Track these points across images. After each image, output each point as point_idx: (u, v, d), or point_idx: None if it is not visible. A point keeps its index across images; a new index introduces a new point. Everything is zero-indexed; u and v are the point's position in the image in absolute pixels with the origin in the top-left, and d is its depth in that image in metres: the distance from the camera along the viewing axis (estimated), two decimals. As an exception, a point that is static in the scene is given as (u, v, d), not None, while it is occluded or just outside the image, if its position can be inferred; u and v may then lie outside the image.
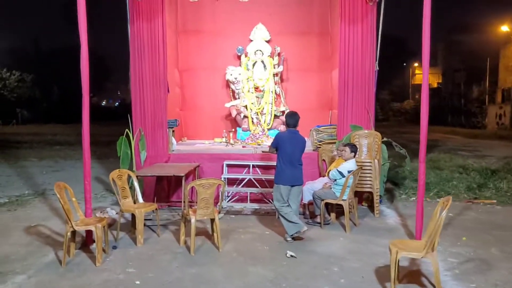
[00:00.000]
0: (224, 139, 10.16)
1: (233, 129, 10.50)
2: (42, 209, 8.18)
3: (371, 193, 7.81)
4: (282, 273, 5.03)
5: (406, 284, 4.70)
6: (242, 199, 8.23)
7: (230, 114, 10.85)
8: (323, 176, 7.80)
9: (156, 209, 6.48)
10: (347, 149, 6.83)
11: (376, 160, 7.58)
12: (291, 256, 5.54)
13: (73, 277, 4.94)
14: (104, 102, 71.97)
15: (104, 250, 5.60)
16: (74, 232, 5.48)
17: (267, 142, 9.64)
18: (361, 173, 7.12)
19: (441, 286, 4.41)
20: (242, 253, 5.70)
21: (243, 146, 9.46)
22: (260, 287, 4.67)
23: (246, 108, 10.39)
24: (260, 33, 10.51)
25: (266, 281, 4.82)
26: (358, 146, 7.22)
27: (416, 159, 9.84)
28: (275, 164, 6.36)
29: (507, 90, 35.40)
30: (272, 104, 10.38)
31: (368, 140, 7.69)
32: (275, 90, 10.51)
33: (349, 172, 6.64)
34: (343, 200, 6.66)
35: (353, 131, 7.88)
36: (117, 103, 71.83)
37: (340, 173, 6.70)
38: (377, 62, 8.10)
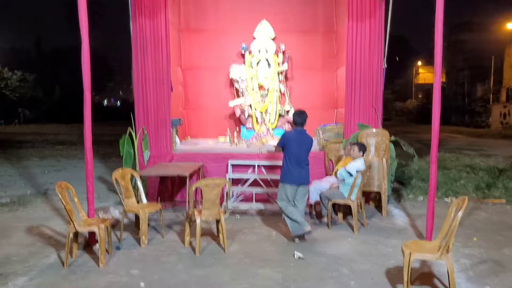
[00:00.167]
0: (228, 138, 10.03)
1: (237, 128, 10.40)
2: (44, 209, 8.06)
3: (378, 193, 7.68)
4: (290, 275, 4.89)
5: (418, 286, 4.57)
6: (247, 199, 8.10)
7: (234, 113, 10.72)
8: (330, 176, 7.67)
9: (160, 209, 6.35)
10: (356, 148, 6.69)
11: (384, 160, 7.44)
12: (299, 257, 5.40)
13: (76, 279, 4.82)
14: (106, 102, 71.91)
15: (107, 251, 5.48)
16: (76, 233, 5.36)
17: (272, 141, 9.53)
18: (369, 172, 6.98)
19: (456, 289, 4.27)
20: (249, 255, 5.57)
21: (247, 146, 9.34)
22: (268, 290, 4.54)
23: (250, 107, 10.27)
24: (264, 30, 10.38)
25: (274, 284, 4.68)
26: (366, 145, 7.08)
27: (421, 158, 9.77)
28: (281, 164, 6.22)
29: (511, 89, 35.19)
30: (276, 103, 10.25)
31: (376, 139, 7.55)
32: (280, 89, 10.39)
33: (357, 171, 6.50)
34: (351, 200, 6.52)
35: (361, 130, 7.74)
36: (119, 103, 71.79)
37: (348, 172, 6.56)
38: (385, 59, 7.96)
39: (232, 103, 10.52)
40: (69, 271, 5.03)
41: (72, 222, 5.14)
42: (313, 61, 10.95)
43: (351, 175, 6.54)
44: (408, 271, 4.11)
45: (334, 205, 6.75)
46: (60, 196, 5.10)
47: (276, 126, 10.20)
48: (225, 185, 5.91)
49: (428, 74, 56.13)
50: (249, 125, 10.27)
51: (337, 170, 7.07)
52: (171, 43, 8.40)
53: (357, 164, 6.59)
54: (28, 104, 48.23)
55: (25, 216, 7.51)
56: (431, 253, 4.14)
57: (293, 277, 4.83)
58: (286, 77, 10.70)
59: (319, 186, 7.07)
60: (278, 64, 10.37)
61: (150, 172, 7.19)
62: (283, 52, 10.43)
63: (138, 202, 6.51)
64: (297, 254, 5.46)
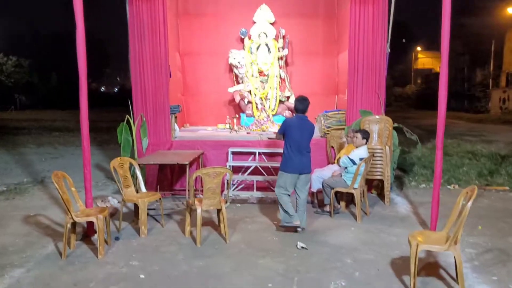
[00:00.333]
0: (227, 126, 9.91)
1: (237, 115, 10.26)
2: (41, 197, 7.94)
3: (381, 180, 7.57)
4: (293, 266, 4.79)
5: (424, 277, 4.46)
6: (248, 187, 7.98)
7: (233, 100, 10.59)
8: (332, 163, 7.56)
9: (160, 198, 6.23)
10: (359, 135, 6.55)
11: (387, 147, 7.31)
12: (302, 247, 5.29)
13: (74, 271, 4.71)
14: (103, 88, 71.42)
15: (106, 242, 5.37)
16: (74, 223, 5.24)
17: (272, 128, 9.40)
18: (371, 160, 6.86)
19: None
20: (251, 244, 5.46)
21: (247, 133, 9.22)
22: (271, 281, 4.42)
23: (250, 93, 10.13)
24: (264, 14, 10.19)
25: (276, 274, 4.58)
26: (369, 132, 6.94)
27: (421, 145, 9.67)
28: (282, 151, 6.07)
29: (511, 74, 35.00)
30: (276, 89, 10.11)
31: (379, 126, 7.41)
32: (280, 75, 10.23)
33: (360, 159, 6.37)
34: (354, 188, 6.41)
35: (363, 117, 7.60)
36: (116, 89, 71.31)
37: (352, 160, 6.43)
38: (388, 43, 7.79)
39: (231, 89, 10.38)
40: (67, 262, 4.92)
41: (70, 212, 5.02)
42: (313, 46, 10.77)
43: (354, 163, 6.41)
44: (415, 263, 4.00)
45: (336, 193, 6.64)
46: (56, 186, 4.96)
47: (276, 112, 10.05)
48: (226, 173, 5.78)
49: (427, 59, 55.89)
50: (249, 111, 10.13)
51: (340, 157, 6.94)
52: (169, 27, 8.19)
53: (360, 152, 6.46)
54: (24, 90, 47.90)
55: (21, 205, 7.40)
56: (439, 245, 4.03)
57: (295, 268, 4.73)
58: (286, 63, 10.54)
59: (321, 174, 6.95)
60: (278, 49, 10.20)
61: (149, 160, 7.04)
62: (283, 37, 10.25)
63: (137, 191, 6.39)
64: (300, 244, 5.35)
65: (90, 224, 5.66)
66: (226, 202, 6.06)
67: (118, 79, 73.41)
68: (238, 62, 10.21)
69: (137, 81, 7.94)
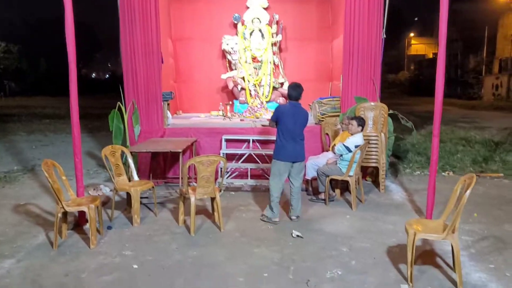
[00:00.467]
0: (221, 113, 9.81)
1: (230, 102, 10.15)
2: (31, 186, 7.83)
3: (375, 168, 7.52)
4: (288, 255, 4.73)
5: (420, 265, 4.40)
6: (241, 175, 7.90)
7: (226, 86, 10.47)
8: (327, 151, 7.48)
9: (153, 187, 6.13)
10: (354, 122, 6.47)
11: (382, 134, 7.24)
12: (297, 236, 5.23)
13: (66, 261, 4.61)
14: (94, 74, 70.77)
15: (98, 231, 5.29)
16: (65, 213, 5.13)
17: (266, 115, 9.31)
18: (367, 147, 6.78)
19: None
20: (245, 233, 5.39)
21: (241, 120, 9.12)
22: (266, 270, 4.36)
23: (244, 80, 10.01)
24: (257, -1, 10.03)
25: (272, 264, 4.51)
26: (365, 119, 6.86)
27: (412, 131, 9.63)
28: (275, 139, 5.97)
29: (504, 60, 35.02)
30: (270, 75, 10.00)
31: (374, 112, 7.33)
32: (274, 61, 10.12)
33: (356, 146, 6.30)
34: (350, 176, 6.34)
35: (358, 103, 7.51)
36: (107, 75, 70.67)
37: (347, 148, 6.35)
38: (384, 29, 7.67)
39: (224, 76, 10.25)
40: (58, 252, 4.83)
41: (60, 202, 4.91)
42: (307, 32, 10.65)
43: (349, 150, 6.34)
44: (412, 252, 3.95)
45: (331, 181, 6.57)
46: (46, 174, 4.85)
47: (270, 99, 9.95)
48: (220, 161, 5.69)
49: (420, 45, 55.74)
50: (242, 98, 10.02)
51: (335, 145, 6.86)
52: (161, 12, 8.00)
53: (356, 139, 6.39)
54: (13, 76, 47.28)
55: (11, 194, 7.29)
56: (436, 233, 3.97)
57: (291, 257, 4.67)
58: (280, 49, 10.43)
59: (316, 162, 6.87)
60: (272, 35, 10.06)
61: (141, 148, 6.93)
62: (277, 23, 10.12)
63: (129, 179, 6.28)
64: (295, 232, 5.29)
65: (82, 213, 5.55)
66: (220, 190, 5.97)
67: (109, 65, 72.76)
68: (231, 48, 10.08)
69: (128, 68, 7.78)
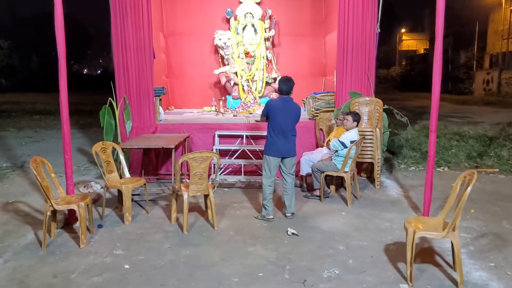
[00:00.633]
0: (213, 108, 9.69)
1: (223, 97, 10.04)
2: (21, 183, 7.67)
3: (370, 163, 7.44)
4: (284, 254, 4.62)
5: (420, 264, 4.31)
6: (235, 171, 7.79)
7: (219, 82, 10.36)
8: (321, 147, 7.38)
9: (145, 184, 5.99)
10: (350, 117, 6.36)
11: (377, 129, 7.15)
12: (293, 233, 5.13)
13: (55, 261, 4.48)
14: (86, 70, 70.16)
15: (88, 230, 5.17)
16: (54, 211, 5.00)
17: (259, 110, 9.18)
18: (362, 143, 6.69)
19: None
20: (240, 231, 5.28)
21: (234, 115, 9.01)
22: (262, 270, 4.25)
23: (236, 75, 9.90)
24: (250, -6, 9.90)
25: (267, 263, 4.41)
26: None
27: (407, 127, 9.56)
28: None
29: (495, 55, 35.08)
30: (263, 70, 9.89)
31: (369, 107, 7.24)
32: (267, 56, 10.01)
33: (351, 142, 6.19)
34: (345, 172, 6.25)
35: (353, 98, 7.41)
36: (99, 71, 70.08)
37: (342, 143, 6.24)
38: (378, 23, 7.57)
39: (217, 71, 10.14)
40: (47, 252, 4.70)
41: (49, 200, 4.78)
42: (300, 27, 10.57)
43: (345, 146, 6.23)
44: (412, 251, 3.85)
45: (326, 177, 6.46)
46: (35, 172, 4.71)
47: (263, 94, 9.84)
48: (213, 157, 5.56)
49: (412, 41, 55.76)
50: (235, 93, 9.90)
51: (329, 140, 6.76)
52: (153, 7, 7.84)
53: (351, 135, 6.28)
54: (4, 73, 46.71)
55: (0, 191, 7.11)
56: (436, 231, 3.87)
57: (287, 256, 4.56)
58: (273, 44, 10.33)
59: (310, 158, 6.77)
60: (265, 30, 9.95)
61: (132, 144, 6.78)
62: (270, 17, 10.01)
63: (120, 176, 6.15)
64: (290, 230, 5.18)
65: (72, 211, 5.40)
66: (214, 187, 5.85)
67: (100, 61, 72.14)
68: (224, 43, 9.96)
69: (120, 63, 7.62)
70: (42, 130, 14.82)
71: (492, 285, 3.91)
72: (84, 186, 7.22)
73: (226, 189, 7.16)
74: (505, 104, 24.62)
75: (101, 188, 7.06)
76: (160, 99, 8.22)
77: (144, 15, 7.52)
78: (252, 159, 7.64)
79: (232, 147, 7.75)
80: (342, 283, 3.97)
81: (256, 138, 7.86)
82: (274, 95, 9.64)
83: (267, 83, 9.94)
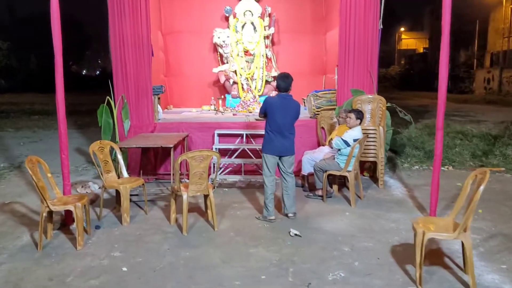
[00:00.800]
0: (212, 107, 9.56)
1: (222, 96, 9.90)
2: (18, 184, 7.54)
3: (373, 162, 7.30)
4: (287, 256, 4.48)
5: (428, 266, 4.15)
6: (235, 170, 7.65)
7: (218, 80, 10.22)
8: (323, 145, 7.24)
9: (143, 184, 5.85)
10: (352, 115, 6.21)
11: (381, 127, 7.01)
12: (295, 234, 4.99)
13: (51, 264, 4.35)
14: (85, 71, 70.06)
15: (85, 231, 5.03)
16: (51, 212, 4.87)
17: (259, 109, 9.04)
18: (365, 141, 6.55)
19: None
20: (241, 232, 5.14)
21: (233, 114, 8.87)
22: (264, 273, 4.11)
23: (236, 74, 9.77)
24: (249, -9, 9.78)
25: (270, 265, 4.26)
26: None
27: (410, 125, 9.44)
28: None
29: (496, 54, 34.97)
30: (263, 68, 9.76)
31: (372, 105, 7.10)
32: (266, 54, 9.89)
33: (354, 140, 6.05)
34: (348, 171, 6.10)
35: (355, 96, 7.27)
36: (98, 72, 69.97)
37: (345, 142, 6.09)
38: (381, 20, 7.43)
39: (216, 70, 10.00)
40: (43, 254, 4.57)
41: (45, 200, 4.64)
42: (300, 24, 10.44)
43: (348, 144, 6.09)
44: (422, 252, 3.70)
45: (328, 176, 6.32)
46: (30, 172, 4.57)
47: (262, 93, 9.71)
48: (213, 156, 5.42)
49: (411, 40, 55.67)
50: (234, 92, 9.76)
51: (331, 139, 6.62)
52: (151, 5, 7.72)
53: (354, 133, 6.14)
54: (3, 73, 46.59)
55: (-4, 192, 6.99)
56: (446, 232, 3.73)
57: (290, 258, 4.41)
58: (272, 42, 10.22)
59: (312, 157, 6.63)
60: (264, 27, 9.82)
61: (131, 143, 6.64)
62: (269, 15, 9.90)
63: (118, 176, 6.01)
64: (293, 231, 5.04)
65: (68, 212, 5.26)
66: (214, 187, 5.70)
67: (99, 61, 72.04)
68: (223, 41, 9.83)
69: (118, 61, 7.49)
70: (40, 131, 14.70)
71: (505, 288, 3.77)
72: (82, 187, 7.08)
73: (226, 189, 7.02)
74: (506, 102, 24.53)
75: (99, 188, 6.92)
76: (158, 98, 8.09)
77: (142, 13, 7.40)
78: (252, 158, 7.49)
79: (232, 146, 7.61)
80: (348, 286, 3.83)
81: (256, 136, 7.72)
82: (274, 94, 9.50)
83: (267, 82, 9.81)
